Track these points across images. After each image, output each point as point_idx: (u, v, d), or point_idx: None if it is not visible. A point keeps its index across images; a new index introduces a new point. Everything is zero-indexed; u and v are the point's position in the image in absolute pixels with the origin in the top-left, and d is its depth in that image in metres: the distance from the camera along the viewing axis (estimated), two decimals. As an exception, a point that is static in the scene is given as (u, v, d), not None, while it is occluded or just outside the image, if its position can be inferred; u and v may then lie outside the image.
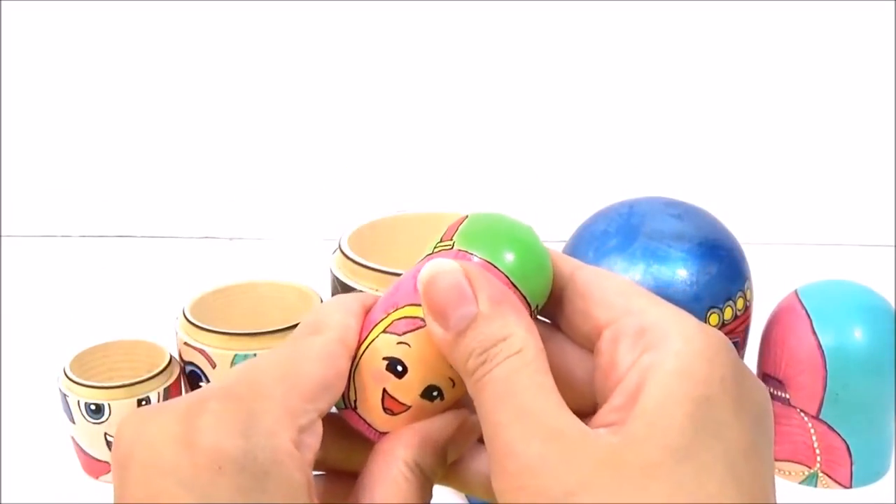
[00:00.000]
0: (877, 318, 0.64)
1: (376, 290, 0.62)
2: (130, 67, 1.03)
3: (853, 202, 1.04)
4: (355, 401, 0.32)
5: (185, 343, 0.65)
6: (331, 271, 0.66)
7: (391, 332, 0.32)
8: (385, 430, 0.32)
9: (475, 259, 0.31)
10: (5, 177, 1.06)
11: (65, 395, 0.65)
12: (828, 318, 0.64)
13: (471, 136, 1.03)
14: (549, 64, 1.02)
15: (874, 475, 0.67)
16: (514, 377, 0.29)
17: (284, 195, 1.06)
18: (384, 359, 0.32)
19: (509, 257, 0.31)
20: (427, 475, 0.32)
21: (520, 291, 0.31)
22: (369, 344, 0.32)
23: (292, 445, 0.29)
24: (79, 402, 0.64)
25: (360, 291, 0.63)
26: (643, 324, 0.30)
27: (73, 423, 0.66)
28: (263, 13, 1.01)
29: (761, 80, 1.02)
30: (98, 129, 1.05)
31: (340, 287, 0.65)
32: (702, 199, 0.70)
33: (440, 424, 0.32)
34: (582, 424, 0.28)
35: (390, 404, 0.32)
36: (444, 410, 0.32)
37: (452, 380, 0.32)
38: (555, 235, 0.70)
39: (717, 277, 0.63)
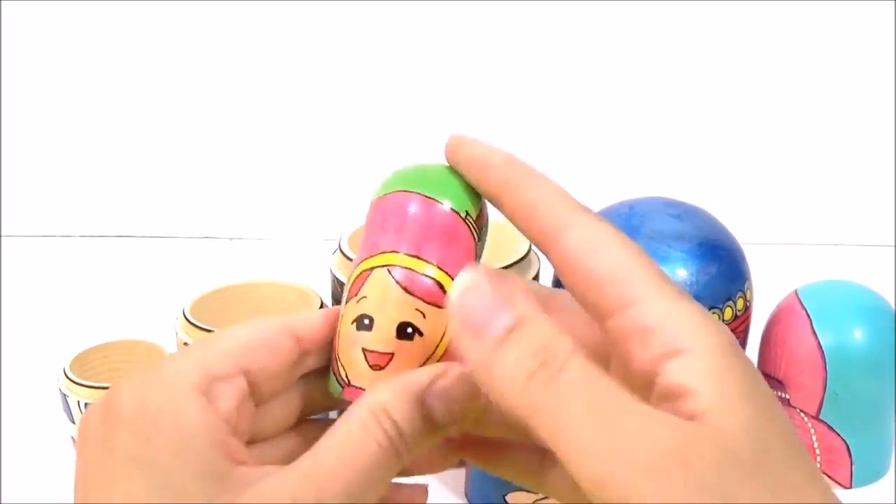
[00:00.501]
0: (877, 318, 0.64)
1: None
2: (130, 67, 1.03)
3: (853, 202, 1.04)
4: (346, 376, 0.33)
5: (185, 343, 0.64)
6: (331, 271, 0.66)
7: (350, 298, 0.33)
8: None
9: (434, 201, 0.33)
10: (5, 177, 1.06)
11: (65, 396, 0.65)
12: (828, 319, 0.64)
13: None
14: (548, 64, 1.02)
15: (874, 475, 0.67)
16: (589, 376, 0.26)
17: (284, 195, 1.06)
18: (352, 322, 0.33)
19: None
20: (399, 427, 0.30)
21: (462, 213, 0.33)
22: (341, 322, 0.33)
23: (196, 392, 0.30)
24: (79, 402, 0.64)
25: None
26: (646, 322, 0.28)
27: (73, 423, 0.66)
28: (263, 13, 1.01)
29: (761, 81, 1.02)
30: (98, 129, 1.05)
31: (340, 287, 0.65)
32: (702, 199, 0.70)
33: (419, 373, 0.31)
34: (664, 414, 0.26)
35: (374, 360, 0.32)
36: (431, 351, 0.33)
37: (421, 311, 0.32)
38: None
39: (716, 277, 0.63)
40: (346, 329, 0.33)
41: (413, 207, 0.33)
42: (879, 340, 0.64)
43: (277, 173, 1.06)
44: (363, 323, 0.32)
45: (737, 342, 0.29)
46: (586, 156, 1.04)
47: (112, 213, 1.06)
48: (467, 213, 0.33)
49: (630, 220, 0.63)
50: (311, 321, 0.34)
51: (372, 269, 0.33)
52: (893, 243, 1.02)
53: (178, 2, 1.01)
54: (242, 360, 0.32)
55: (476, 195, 0.34)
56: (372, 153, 1.05)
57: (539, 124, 1.03)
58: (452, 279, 0.32)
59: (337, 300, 0.66)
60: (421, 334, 0.32)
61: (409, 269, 0.33)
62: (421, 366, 0.33)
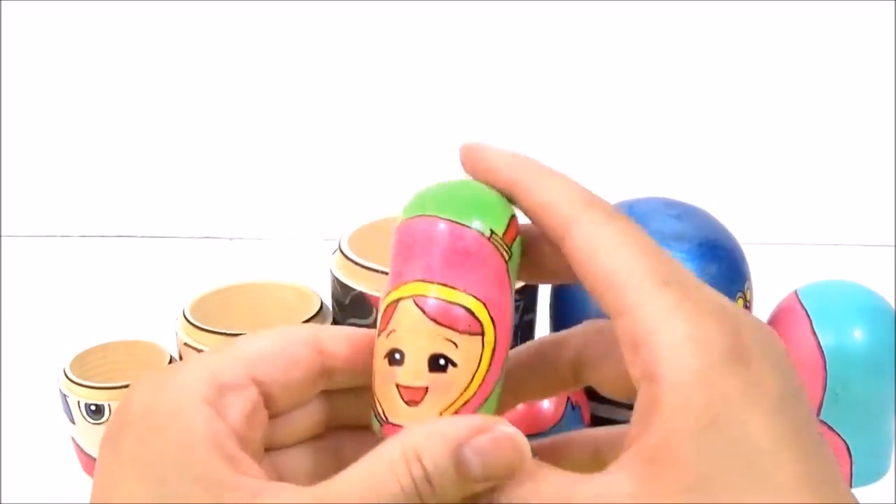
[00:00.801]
0: (877, 319, 0.64)
1: (376, 291, 0.62)
2: (130, 67, 1.03)
3: (853, 202, 1.04)
4: (384, 413, 0.32)
5: (185, 344, 0.64)
6: (331, 271, 0.66)
7: (381, 332, 0.32)
8: None
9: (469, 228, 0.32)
10: (5, 177, 1.06)
11: (65, 396, 0.65)
12: (828, 319, 0.64)
13: (470, 137, 1.03)
14: (548, 64, 1.02)
15: (874, 475, 0.67)
16: None
17: (284, 195, 1.06)
18: (384, 357, 0.31)
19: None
20: (429, 474, 0.28)
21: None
22: (375, 357, 0.32)
23: (201, 401, 0.30)
24: (79, 402, 0.64)
25: (360, 292, 0.63)
26: (635, 335, 0.28)
27: (73, 423, 0.66)
28: (263, 13, 1.01)
29: (761, 81, 1.02)
30: (98, 129, 1.05)
31: (340, 287, 0.65)
32: (702, 199, 0.70)
33: (459, 422, 0.29)
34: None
35: (408, 395, 0.31)
36: (468, 382, 0.31)
37: (452, 342, 0.31)
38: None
39: (716, 278, 0.63)
40: (380, 365, 0.32)
41: (436, 233, 0.32)
42: (879, 340, 0.64)
43: (278, 173, 1.06)
44: (394, 357, 0.31)
45: (730, 333, 0.28)
46: (586, 156, 1.04)
47: (112, 213, 1.06)
48: (492, 233, 0.32)
49: (630, 220, 0.63)
50: (338, 337, 0.33)
51: (398, 300, 0.32)
52: (893, 243, 1.02)
53: (178, 2, 1.01)
54: (255, 369, 0.31)
55: (505, 207, 0.33)
56: (372, 153, 1.05)
57: (539, 125, 1.03)
58: (483, 303, 0.31)
59: (337, 300, 0.66)
60: (455, 365, 0.31)
61: (437, 297, 0.31)
62: (459, 397, 0.31)
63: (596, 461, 0.35)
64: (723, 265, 0.63)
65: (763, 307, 0.68)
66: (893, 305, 0.66)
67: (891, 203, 1.02)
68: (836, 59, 1.00)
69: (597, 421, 0.65)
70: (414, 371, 0.31)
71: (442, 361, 0.31)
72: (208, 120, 1.04)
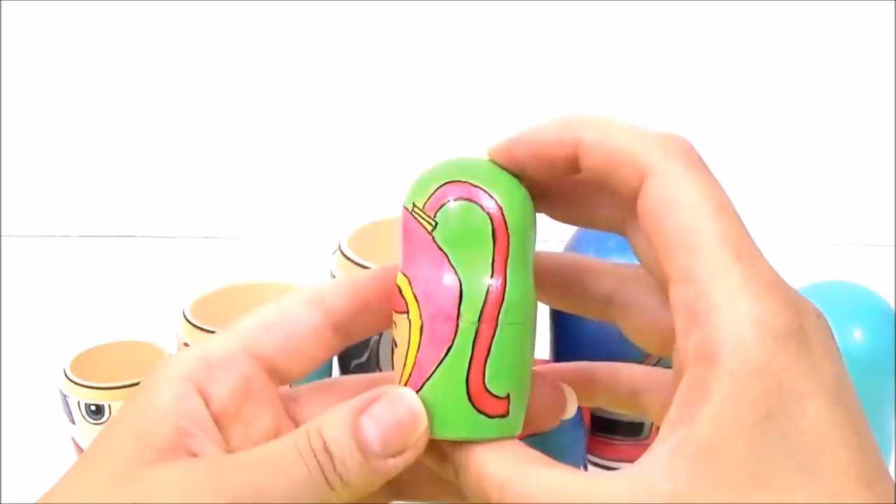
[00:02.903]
0: (877, 319, 0.64)
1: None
2: (130, 67, 1.03)
3: (853, 202, 1.04)
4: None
5: (186, 344, 0.64)
6: (331, 272, 0.66)
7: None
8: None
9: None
10: (5, 177, 1.06)
11: (65, 396, 0.65)
12: (828, 319, 0.64)
13: (471, 137, 1.03)
14: (548, 65, 1.02)
15: (874, 475, 0.67)
16: None
17: (284, 195, 1.06)
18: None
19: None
20: (329, 450, 0.28)
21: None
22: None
23: (180, 377, 0.30)
24: (79, 402, 0.64)
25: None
26: (697, 307, 0.26)
27: (74, 423, 0.66)
28: (263, 13, 1.01)
29: (761, 81, 1.02)
30: (98, 128, 1.05)
31: (340, 287, 0.65)
32: (702, 199, 0.69)
33: (363, 396, 0.29)
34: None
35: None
36: (404, 364, 0.30)
37: (395, 323, 0.31)
38: (555, 235, 0.69)
39: (717, 278, 0.63)
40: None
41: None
42: (879, 340, 0.64)
43: (278, 173, 1.06)
44: (395, 345, 0.32)
45: (795, 328, 0.26)
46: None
47: (112, 213, 1.06)
48: (413, 206, 0.31)
49: (630, 220, 0.63)
50: (339, 288, 0.32)
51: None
52: (893, 243, 1.01)
53: (178, 2, 1.01)
54: (252, 342, 0.31)
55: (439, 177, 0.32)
56: (372, 154, 1.05)
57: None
58: (408, 279, 0.31)
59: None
60: (397, 345, 0.31)
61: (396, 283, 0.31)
62: (400, 378, 0.30)
63: (633, 400, 0.33)
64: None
65: (763, 307, 0.68)
66: (893, 305, 0.66)
67: (891, 203, 1.02)
68: (837, 60, 1.00)
69: (597, 421, 0.65)
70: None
71: (394, 345, 0.31)
72: (208, 120, 1.04)
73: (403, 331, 0.30)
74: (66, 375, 0.65)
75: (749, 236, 0.28)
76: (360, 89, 1.03)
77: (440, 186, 0.31)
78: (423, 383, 0.30)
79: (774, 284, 0.27)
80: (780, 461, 0.25)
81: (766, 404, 0.25)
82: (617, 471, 0.27)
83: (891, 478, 0.27)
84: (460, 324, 0.29)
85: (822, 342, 0.27)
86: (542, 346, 0.69)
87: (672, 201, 0.27)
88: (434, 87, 1.03)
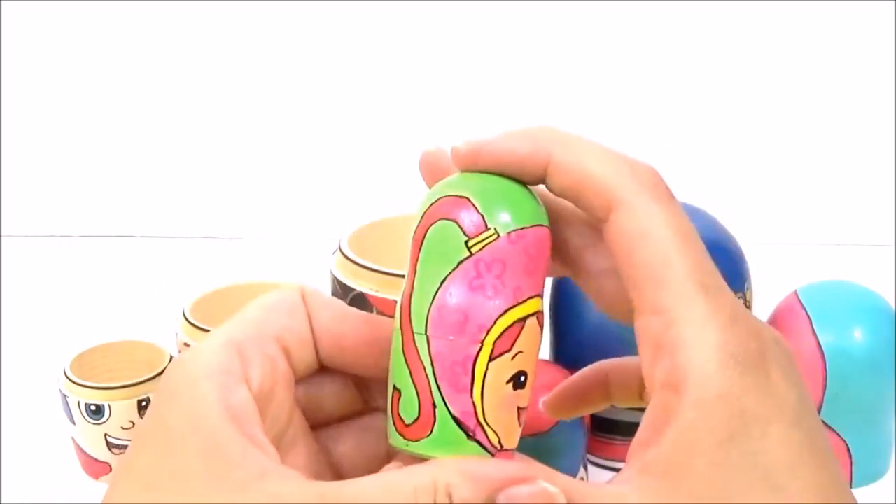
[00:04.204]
0: (877, 318, 0.64)
1: (376, 291, 0.62)
2: (130, 67, 1.03)
3: (853, 202, 1.04)
4: (500, 441, 0.29)
5: (185, 344, 0.64)
6: (331, 272, 0.66)
7: (500, 354, 0.29)
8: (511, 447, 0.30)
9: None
10: (5, 177, 1.06)
11: (65, 396, 0.65)
12: (828, 319, 0.64)
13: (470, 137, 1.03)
14: (549, 66, 1.02)
15: (874, 475, 0.67)
16: None
17: (284, 195, 1.06)
18: (507, 382, 0.29)
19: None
20: None
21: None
22: (483, 384, 0.29)
23: (217, 370, 0.29)
24: (79, 402, 0.64)
25: (360, 292, 0.63)
26: (663, 337, 0.27)
27: (74, 423, 0.66)
28: (263, 13, 1.01)
29: (761, 81, 1.02)
30: (98, 128, 1.05)
31: (340, 287, 0.65)
32: (702, 199, 0.70)
33: (497, 467, 0.27)
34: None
35: (524, 418, 0.30)
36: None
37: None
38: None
39: (717, 278, 0.63)
40: (500, 389, 0.29)
41: (543, 242, 0.30)
42: (879, 340, 0.64)
43: (278, 173, 1.06)
44: (520, 381, 0.29)
45: (756, 357, 0.27)
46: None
47: (112, 213, 1.06)
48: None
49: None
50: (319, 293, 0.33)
51: (525, 318, 0.29)
52: (893, 243, 1.02)
53: (178, 2, 1.01)
54: (266, 324, 0.31)
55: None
56: (372, 154, 1.05)
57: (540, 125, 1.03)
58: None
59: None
60: (524, 386, 0.30)
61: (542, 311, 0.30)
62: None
63: (643, 397, 0.34)
64: (723, 265, 0.62)
65: (763, 307, 0.68)
66: (893, 305, 0.66)
67: (891, 203, 1.02)
68: (836, 60, 1.00)
69: (597, 421, 0.65)
70: (528, 392, 0.30)
71: (523, 378, 0.29)
72: (208, 120, 1.04)
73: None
74: (66, 375, 0.65)
75: (713, 266, 0.29)
76: (360, 90, 1.03)
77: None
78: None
79: (737, 315, 0.28)
80: (744, 479, 0.26)
81: (729, 427, 0.26)
82: (595, 483, 0.28)
83: (852, 495, 0.28)
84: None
85: (782, 368, 0.28)
86: (543, 346, 0.70)
87: (640, 235, 0.28)
88: (434, 87, 1.03)
